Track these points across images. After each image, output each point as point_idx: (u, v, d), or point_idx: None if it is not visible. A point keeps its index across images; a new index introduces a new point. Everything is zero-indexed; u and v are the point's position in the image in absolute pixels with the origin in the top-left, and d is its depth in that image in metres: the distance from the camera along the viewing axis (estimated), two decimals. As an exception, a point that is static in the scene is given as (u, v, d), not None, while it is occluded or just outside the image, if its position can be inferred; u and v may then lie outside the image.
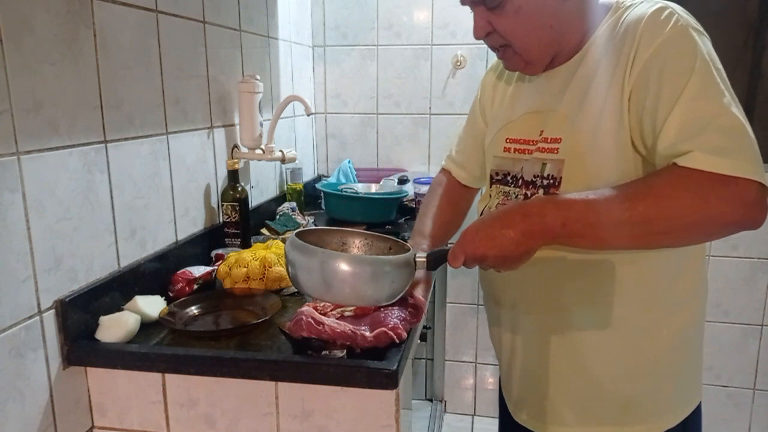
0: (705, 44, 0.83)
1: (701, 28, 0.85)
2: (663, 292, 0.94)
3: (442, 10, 2.18)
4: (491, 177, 1.06)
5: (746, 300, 2.18)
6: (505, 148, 1.03)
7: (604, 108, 0.88)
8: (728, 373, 2.25)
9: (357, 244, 1.01)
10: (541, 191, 0.95)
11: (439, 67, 2.23)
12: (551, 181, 0.93)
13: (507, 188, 1.02)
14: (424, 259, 0.89)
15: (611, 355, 0.96)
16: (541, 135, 0.96)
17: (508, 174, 1.02)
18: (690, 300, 0.98)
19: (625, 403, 0.98)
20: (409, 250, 0.93)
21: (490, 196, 1.06)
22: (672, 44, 0.82)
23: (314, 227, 1.25)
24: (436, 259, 0.89)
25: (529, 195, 0.97)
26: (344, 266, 0.83)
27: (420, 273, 1.00)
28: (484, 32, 0.95)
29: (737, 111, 0.80)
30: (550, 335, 1.00)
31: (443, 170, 1.29)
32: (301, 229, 0.91)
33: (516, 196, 0.99)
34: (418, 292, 1.01)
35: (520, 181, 0.99)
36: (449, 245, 0.89)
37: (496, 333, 1.12)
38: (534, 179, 0.96)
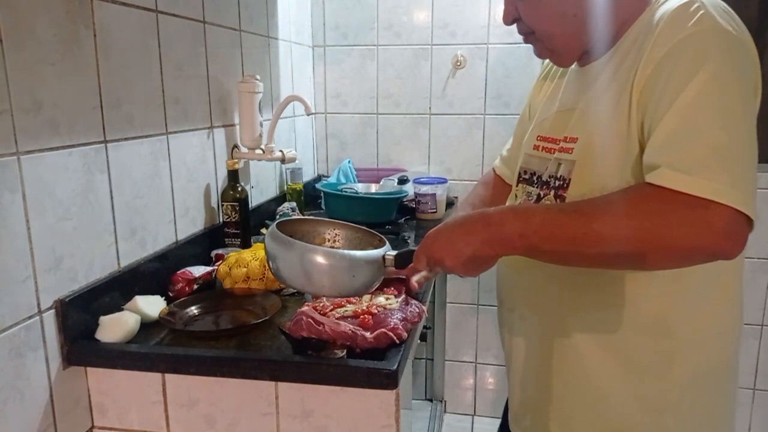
0: (728, 48, 0.73)
1: (735, 29, 0.75)
2: (678, 322, 0.86)
3: (442, 10, 2.18)
4: (519, 175, 1.03)
5: (746, 300, 2.15)
6: (534, 145, 1.00)
7: (617, 109, 0.82)
8: (728, 373, 2.25)
9: (331, 234, 1.07)
10: (551, 192, 0.92)
11: (439, 67, 2.23)
12: (561, 183, 0.90)
13: (531, 188, 0.99)
14: (393, 258, 0.91)
15: (605, 380, 0.90)
16: (563, 134, 0.93)
17: (534, 174, 0.99)
18: (713, 336, 0.88)
19: (614, 430, 0.91)
20: (382, 241, 0.98)
21: (516, 196, 1.03)
22: (688, 44, 0.74)
23: (291, 218, 1.30)
24: (404, 259, 0.91)
25: (542, 195, 0.94)
26: (322, 259, 0.88)
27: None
28: (511, 18, 0.93)
29: (733, 126, 0.71)
30: (543, 344, 0.96)
31: (493, 169, 1.30)
32: (279, 219, 0.96)
33: (532, 196, 0.97)
34: (415, 278, 1.00)
35: (541, 180, 0.96)
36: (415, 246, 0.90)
37: (501, 334, 1.11)
38: (549, 179, 0.93)
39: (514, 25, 0.95)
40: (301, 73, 2.18)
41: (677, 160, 0.71)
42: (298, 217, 1.15)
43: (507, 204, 1.07)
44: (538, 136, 1.01)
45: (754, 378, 2.24)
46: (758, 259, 2.15)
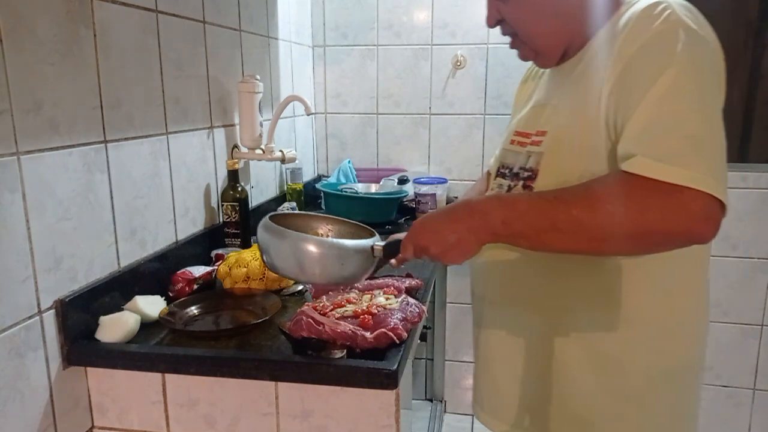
0: (695, 44, 0.77)
1: (700, 27, 0.79)
2: (642, 313, 0.89)
3: (442, 10, 2.18)
4: (498, 169, 1.05)
5: (746, 300, 2.18)
6: (511, 140, 1.03)
7: (586, 104, 0.85)
8: (728, 373, 2.25)
9: (324, 229, 1.09)
10: (520, 183, 0.95)
11: (439, 67, 2.23)
12: (529, 174, 0.93)
13: (503, 181, 1.02)
14: (381, 248, 0.93)
15: (568, 366, 0.93)
16: (536, 128, 0.96)
17: (509, 167, 1.02)
18: (678, 331, 0.92)
19: (579, 419, 0.94)
20: (372, 234, 1.00)
21: (492, 189, 1.06)
22: (657, 41, 0.78)
23: (283, 212, 1.30)
24: (392, 248, 0.92)
25: (512, 186, 0.97)
26: (313, 248, 0.90)
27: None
28: (495, 20, 0.95)
29: (706, 118, 0.75)
30: (509, 330, 1.00)
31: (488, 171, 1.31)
32: (271, 213, 0.99)
33: (503, 187, 1.00)
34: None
35: (512, 172, 0.99)
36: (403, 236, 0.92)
37: (479, 331, 1.13)
38: (519, 171, 0.96)
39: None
40: (301, 73, 2.18)
41: (653, 149, 0.74)
42: (291, 212, 1.17)
43: None
44: (515, 131, 1.03)
45: (754, 378, 2.24)
46: (758, 259, 2.15)
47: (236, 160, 1.49)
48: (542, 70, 1.06)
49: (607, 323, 0.90)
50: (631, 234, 0.75)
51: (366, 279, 0.99)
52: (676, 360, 0.93)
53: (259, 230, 0.95)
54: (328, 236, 1.08)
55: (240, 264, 1.26)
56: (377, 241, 0.95)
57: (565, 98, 0.92)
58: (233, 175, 1.48)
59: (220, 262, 1.31)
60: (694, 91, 0.75)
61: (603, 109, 0.82)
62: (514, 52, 1.00)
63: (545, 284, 0.94)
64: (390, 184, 2.08)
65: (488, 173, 1.30)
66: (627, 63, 0.80)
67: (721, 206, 0.72)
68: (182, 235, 1.35)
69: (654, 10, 0.79)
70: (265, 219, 0.96)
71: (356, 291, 1.11)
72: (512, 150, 1.02)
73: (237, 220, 1.46)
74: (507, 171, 1.01)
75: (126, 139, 1.13)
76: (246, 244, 1.47)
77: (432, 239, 0.84)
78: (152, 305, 1.11)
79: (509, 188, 0.98)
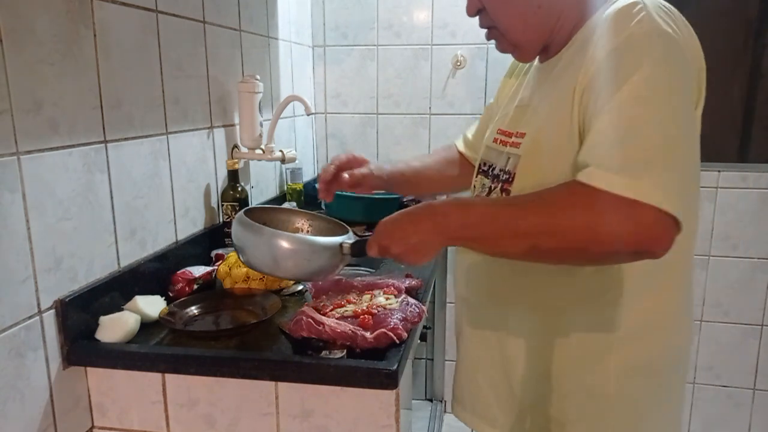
0: (666, 50, 0.74)
1: (675, 30, 0.76)
2: (625, 312, 0.88)
3: (442, 10, 2.18)
4: (479, 166, 1.06)
5: (746, 300, 2.18)
6: (494, 138, 1.03)
7: (561, 106, 0.84)
8: (728, 373, 2.25)
9: (301, 224, 1.13)
10: (499, 186, 0.95)
11: (439, 67, 2.23)
12: (507, 177, 0.93)
13: (486, 180, 1.02)
14: (349, 246, 0.95)
15: (547, 367, 0.92)
16: (517, 129, 0.95)
17: (491, 166, 1.01)
18: (652, 332, 0.90)
19: (556, 419, 0.93)
20: (346, 231, 1.04)
21: (475, 187, 1.06)
22: (627, 46, 0.75)
23: (259, 206, 1.31)
24: (359, 247, 0.94)
25: (492, 188, 0.97)
26: (285, 244, 0.93)
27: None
28: (475, 9, 0.93)
29: (670, 126, 0.72)
30: (485, 330, 1.00)
31: (458, 150, 1.30)
32: (247, 207, 1.01)
33: (485, 188, 1.00)
34: None
35: (494, 173, 0.99)
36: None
37: (468, 332, 1.13)
38: (499, 173, 0.97)
39: None
40: (301, 73, 2.18)
41: (606, 160, 0.72)
42: (267, 206, 1.19)
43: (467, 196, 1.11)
44: (498, 129, 1.02)
45: (754, 378, 2.24)
46: (758, 259, 2.15)
47: (236, 160, 1.49)
48: (527, 66, 1.04)
49: (591, 323, 0.89)
50: (582, 244, 0.73)
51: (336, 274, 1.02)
52: (657, 357, 0.92)
53: (234, 225, 0.97)
54: (307, 232, 1.10)
55: (240, 264, 1.26)
56: (347, 239, 0.96)
57: (544, 99, 0.90)
58: (233, 175, 1.48)
59: (220, 262, 1.31)
60: (656, 99, 0.73)
61: (575, 114, 0.81)
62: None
63: (527, 284, 0.94)
64: (390, 184, 2.08)
65: (461, 157, 1.28)
66: (597, 67, 0.78)
67: (675, 221, 0.69)
68: (182, 235, 1.35)
69: (630, 11, 0.76)
70: (240, 214, 0.98)
71: (356, 291, 1.11)
72: (495, 149, 1.01)
73: (237, 220, 1.46)
74: (489, 170, 1.01)
75: (126, 139, 1.13)
76: (246, 244, 1.47)
77: (394, 240, 0.85)
78: (152, 305, 1.11)
79: (490, 189, 0.98)
